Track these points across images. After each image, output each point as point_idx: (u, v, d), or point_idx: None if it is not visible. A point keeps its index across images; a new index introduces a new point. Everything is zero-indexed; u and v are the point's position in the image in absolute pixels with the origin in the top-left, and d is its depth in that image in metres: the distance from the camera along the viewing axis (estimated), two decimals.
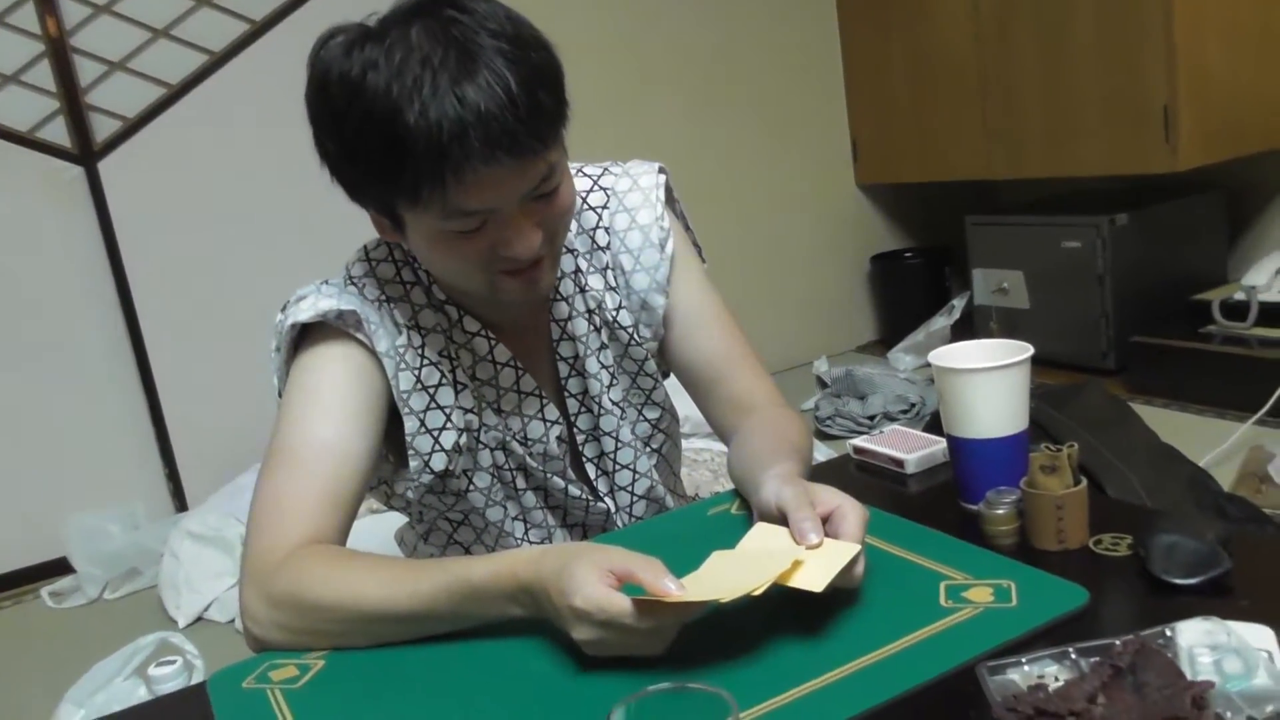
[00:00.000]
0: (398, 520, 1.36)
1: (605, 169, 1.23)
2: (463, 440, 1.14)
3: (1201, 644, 0.69)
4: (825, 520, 0.90)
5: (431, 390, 1.11)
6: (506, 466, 1.19)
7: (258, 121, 3.11)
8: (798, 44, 4.05)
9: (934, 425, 1.22)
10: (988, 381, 1.00)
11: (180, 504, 3.20)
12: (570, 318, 1.18)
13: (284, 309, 1.12)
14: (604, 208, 1.20)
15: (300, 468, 1.03)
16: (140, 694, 1.73)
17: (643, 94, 3.75)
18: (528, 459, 1.18)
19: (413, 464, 1.12)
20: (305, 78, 0.98)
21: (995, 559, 0.94)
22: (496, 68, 0.90)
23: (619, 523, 1.26)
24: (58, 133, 2.98)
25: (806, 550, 0.87)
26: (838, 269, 4.28)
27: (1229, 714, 0.62)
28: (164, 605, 2.74)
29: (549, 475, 1.20)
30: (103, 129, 3.03)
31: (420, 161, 0.91)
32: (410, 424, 1.11)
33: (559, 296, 1.18)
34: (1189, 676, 0.66)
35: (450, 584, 0.90)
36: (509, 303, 1.07)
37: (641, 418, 1.26)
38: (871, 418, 3.29)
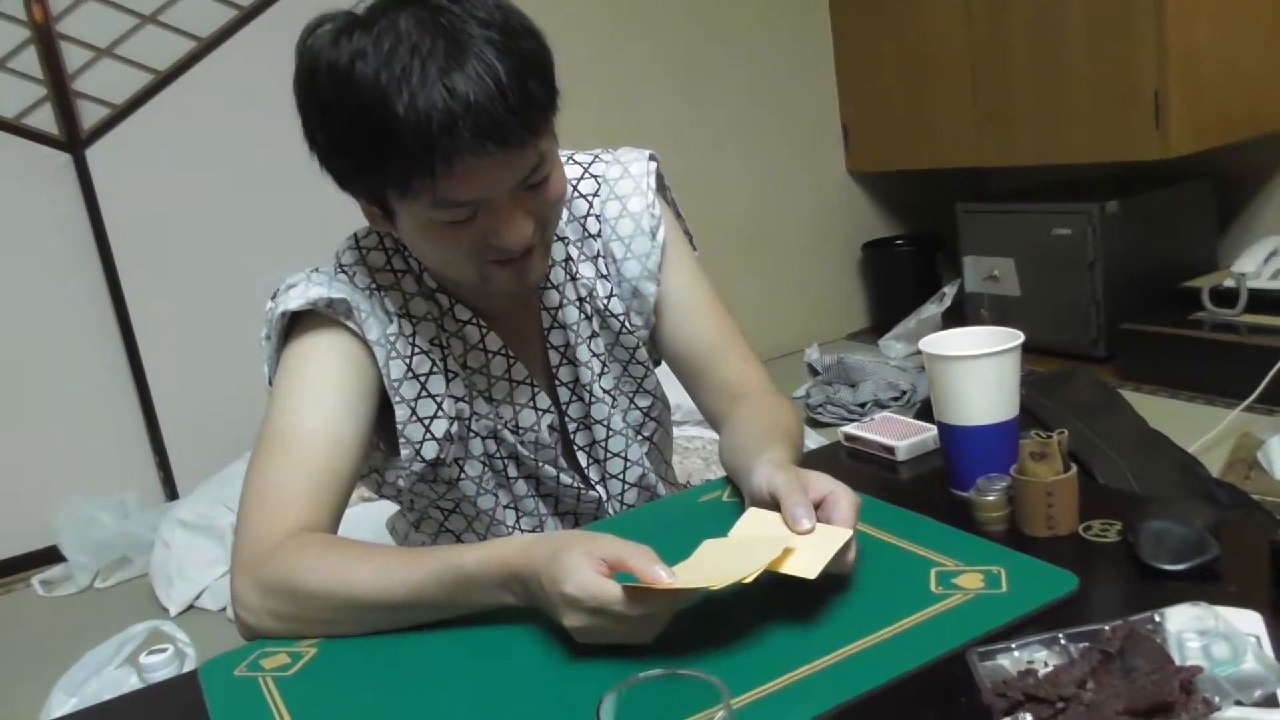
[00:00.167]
0: (389, 508, 1.35)
1: (596, 156, 1.23)
2: (454, 429, 1.13)
3: (1190, 629, 0.69)
4: (817, 506, 0.90)
5: (422, 378, 1.11)
6: (498, 455, 1.19)
7: (246, 108, 3.09)
8: (789, 30, 4.04)
9: (925, 412, 1.22)
10: (978, 369, 1.00)
11: (171, 492, 3.20)
12: (561, 306, 1.18)
13: (274, 297, 1.11)
14: (595, 195, 1.20)
15: (291, 456, 1.03)
16: (132, 682, 1.72)
17: (633, 81, 3.74)
18: (519, 447, 1.18)
19: (404, 452, 1.12)
20: (293, 65, 0.97)
21: (985, 545, 0.94)
22: (486, 57, 0.90)
23: (610, 511, 1.26)
24: (45, 120, 2.97)
25: (798, 536, 0.88)
26: (829, 256, 4.28)
27: (1217, 699, 0.63)
28: (155, 594, 2.74)
29: (540, 464, 1.20)
30: (90, 116, 3.02)
31: (409, 152, 0.91)
32: (401, 412, 1.10)
33: (550, 285, 1.17)
34: (1177, 662, 0.67)
35: (442, 572, 0.90)
36: (500, 292, 1.07)
37: (633, 406, 1.26)
38: (862, 405, 3.29)
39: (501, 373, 1.16)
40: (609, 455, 1.25)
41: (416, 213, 0.98)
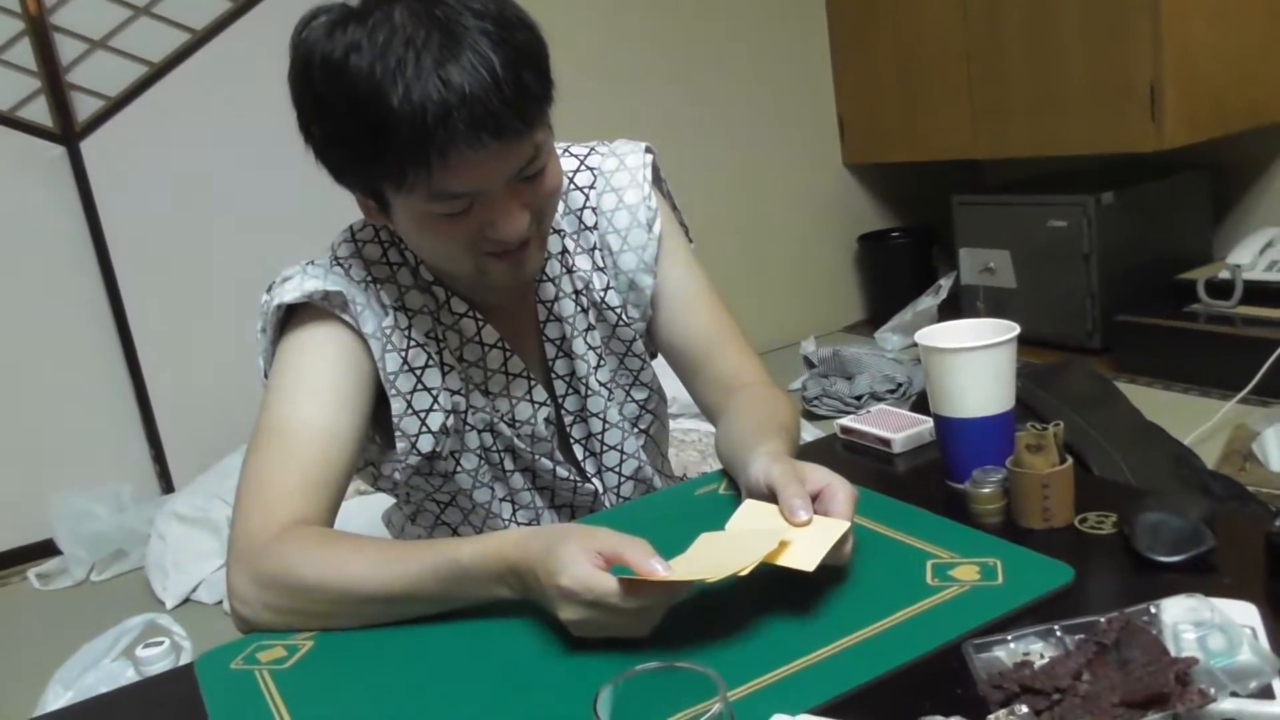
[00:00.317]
0: (385, 501, 1.35)
1: (592, 149, 1.23)
2: (450, 422, 1.13)
3: (1186, 621, 0.69)
4: (814, 498, 0.90)
5: (418, 372, 1.11)
6: (494, 448, 1.19)
7: (240, 100, 3.08)
8: (785, 23, 4.03)
9: (921, 405, 1.23)
10: (974, 361, 1.00)
11: (167, 485, 3.20)
12: (557, 298, 1.18)
13: (269, 290, 1.11)
14: (591, 188, 1.20)
15: (287, 449, 1.03)
16: (128, 675, 1.72)
17: (629, 73, 3.73)
18: (515, 440, 1.18)
19: (400, 446, 1.12)
20: (288, 57, 0.97)
21: (981, 537, 0.94)
22: (481, 49, 0.90)
23: (607, 503, 1.26)
24: (39, 112, 2.96)
25: (795, 528, 0.88)
26: (824, 249, 4.28)
27: (1213, 690, 0.63)
28: (151, 587, 2.74)
29: (537, 456, 1.20)
30: (84, 108, 3.01)
31: (404, 144, 0.90)
32: (397, 405, 1.10)
33: (546, 277, 1.17)
34: (1173, 653, 0.67)
35: (438, 565, 0.90)
36: (496, 285, 1.06)
37: (629, 398, 1.26)
38: (858, 397, 3.29)
39: (498, 366, 1.16)
40: (605, 448, 1.25)
41: (412, 205, 0.98)
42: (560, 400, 1.22)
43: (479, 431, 1.17)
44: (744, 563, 0.81)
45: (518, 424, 1.18)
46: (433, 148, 0.90)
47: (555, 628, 0.86)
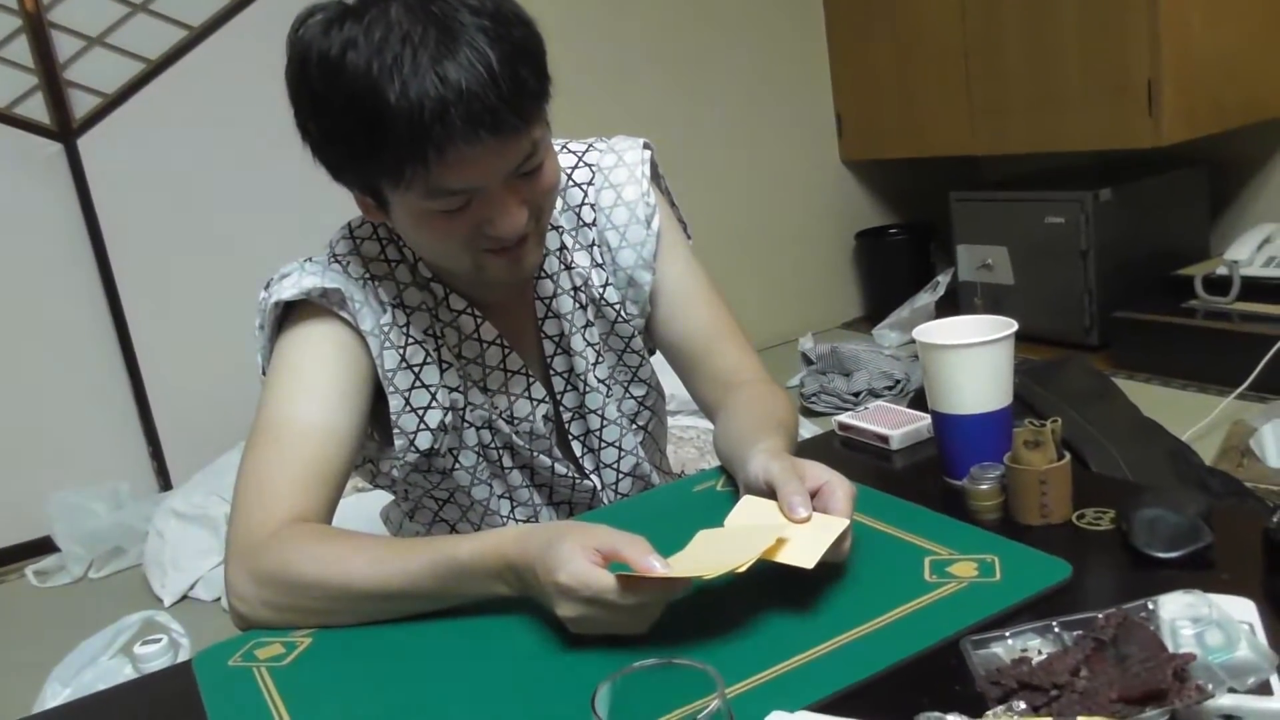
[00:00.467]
0: (383, 498, 1.35)
1: (590, 145, 1.23)
2: (448, 419, 1.13)
3: (1183, 617, 0.69)
4: (813, 495, 0.90)
5: (416, 369, 1.11)
6: (492, 445, 1.19)
7: (238, 97, 3.08)
8: (782, 19, 4.03)
9: (918, 401, 1.23)
10: (972, 357, 1.00)
11: (164, 482, 3.20)
12: (556, 295, 1.18)
13: (267, 286, 1.11)
14: (589, 184, 1.20)
15: (285, 446, 1.03)
16: (126, 672, 1.73)
17: (626, 69, 3.73)
18: (514, 437, 1.18)
19: (398, 443, 1.12)
20: (285, 54, 0.97)
21: (979, 534, 0.94)
22: (477, 45, 0.89)
23: (605, 500, 1.26)
24: (36, 109, 2.95)
25: (794, 525, 0.88)
26: (822, 245, 4.27)
27: (1210, 686, 0.63)
28: (149, 584, 2.74)
29: (535, 453, 1.20)
30: (82, 105, 3.01)
31: (402, 141, 0.90)
32: (395, 403, 1.10)
33: (544, 274, 1.17)
34: (1171, 649, 0.67)
35: (437, 562, 0.90)
36: (494, 281, 1.06)
37: (628, 395, 1.26)
38: (856, 394, 3.29)
39: (496, 363, 1.16)
40: (604, 445, 1.25)
41: (410, 202, 0.98)
42: (559, 397, 1.22)
43: (477, 428, 1.17)
44: (742, 560, 0.81)
45: (516, 421, 1.18)
46: (430, 144, 0.90)
47: (553, 625, 0.86)
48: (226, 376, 3.03)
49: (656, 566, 0.80)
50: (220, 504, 2.72)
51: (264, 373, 1.12)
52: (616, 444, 1.25)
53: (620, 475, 1.27)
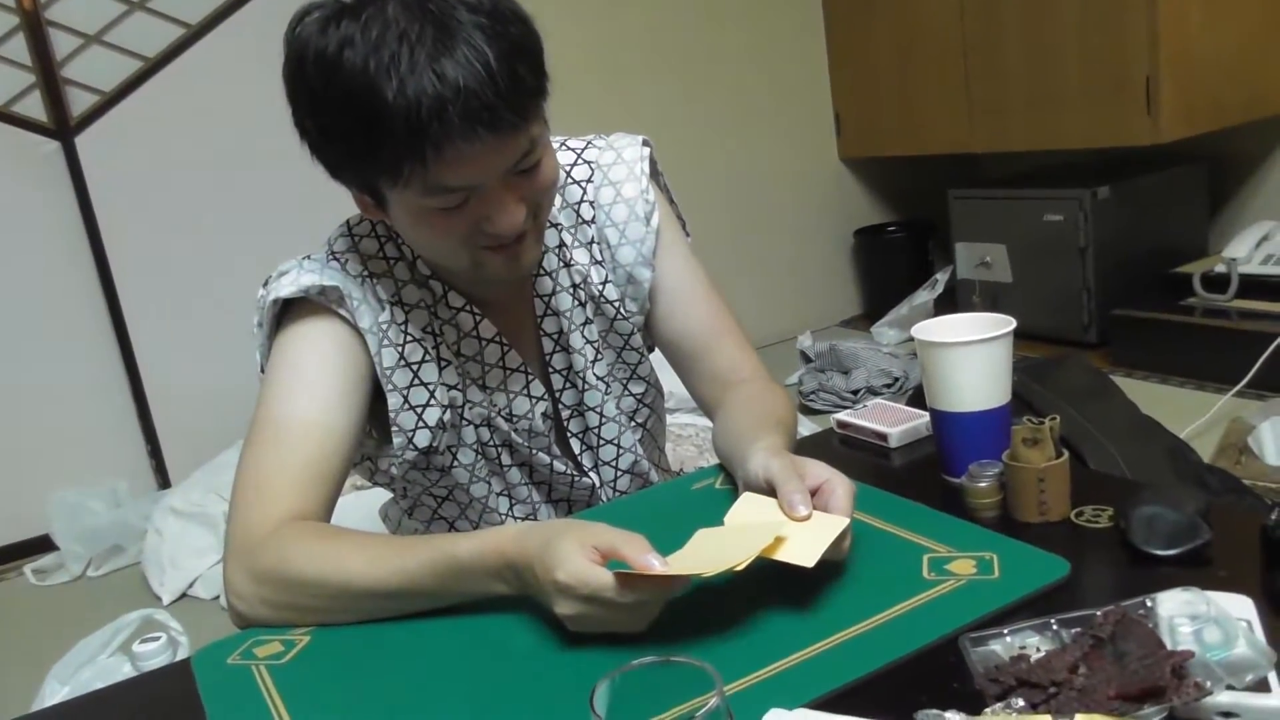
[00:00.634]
0: (382, 496, 1.35)
1: (589, 142, 1.23)
2: (447, 417, 1.13)
3: (1181, 614, 0.69)
4: (813, 493, 0.90)
5: (415, 367, 1.11)
6: (491, 443, 1.19)
7: (235, 95, 3.08)
8: (781, 17, 4.03)
9: (917, 399, 1.23)
10: (970, 355, 1.00)
11: (163, 481, 3.20)
12: (555, 292, 1.18)
13: (266, 284, 1.11)
14: (588, 181, 1.20)
15: (284, 444, 1.03)
16: (125, 670, 1.73)
17: (626, 67, 3.73)
18: (513, 435, 1.18)
19: (396, 440, 1.12)
20: (282, 52, 0.96)
21: (978, 531, 0.94)
22: (475, 43, 0.89)
23: (604, 498, 1.26)
24: (34, 107, 2.95)
25: (794, 523, 0.88)
26: (821, 243, 4.27)
27: (1209, 683, 0.63)
28: (148, 582, 2.74)
29: (534, 451, 1.20)
30: (79, 103, 3.00)
31: (400, 139, 0.90)
32: (393, 400, 1.10)
33: (543, 271, 1.17)
34: (1169, 646, 0.67)
35: (435, 560, 0.90)
36: (493, 279, 1.06)
37: (626, 392, 1.26)
38: (855, 392, 3.29)
39: (495, 360, 1.16)
40: (602, 442, 1.25)
41: (408, 200, 0.97)
42: (557, 394, 1.22)
43: (476, 426, 1.17)
44: (741, 558, 0.81)
45: (515, 418, 1.18)
46: (428, 142, 0.90)
47: (552, 623, 0.86)
48: (225, 374, 3.03)
49: (655, 564, 0.80)
50: (219, 502, 2.72)
51: (262, 370, 1.12)
52: (615, 441, 1.25)
53: (619, 473, 1.27)
